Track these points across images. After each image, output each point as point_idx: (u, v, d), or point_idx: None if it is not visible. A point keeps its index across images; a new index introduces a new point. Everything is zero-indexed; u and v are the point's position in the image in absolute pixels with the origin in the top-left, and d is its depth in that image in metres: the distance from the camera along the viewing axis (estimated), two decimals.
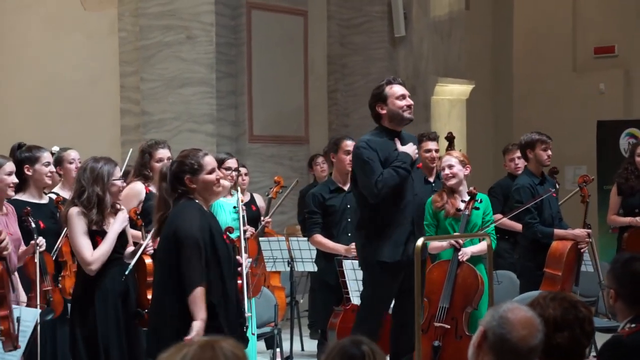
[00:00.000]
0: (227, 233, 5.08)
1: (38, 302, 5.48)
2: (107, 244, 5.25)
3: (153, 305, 4.89)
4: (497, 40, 13.66)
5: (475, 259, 6.41)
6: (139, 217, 5.72)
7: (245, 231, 6.48)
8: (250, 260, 5.41)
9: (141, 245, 5.41)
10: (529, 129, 8.01)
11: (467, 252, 6.31)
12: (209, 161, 4.86)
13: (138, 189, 6.20)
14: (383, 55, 11.07)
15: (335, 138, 7.16)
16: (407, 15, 10.94)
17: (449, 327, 6.14)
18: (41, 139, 7.31)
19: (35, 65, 11.02)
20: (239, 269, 5.06)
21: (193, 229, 4.66)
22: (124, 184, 5.59)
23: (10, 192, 5.32)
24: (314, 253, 7.21)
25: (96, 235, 5.26)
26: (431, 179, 7.25)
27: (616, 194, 7.99)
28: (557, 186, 7.39)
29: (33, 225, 5.60)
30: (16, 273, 5.49)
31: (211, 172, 4.84)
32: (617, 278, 3.78)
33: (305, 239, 7.37)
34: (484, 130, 12.92)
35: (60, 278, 5.96)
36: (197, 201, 4.81)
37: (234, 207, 6.81)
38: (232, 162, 6.95)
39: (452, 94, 11.62)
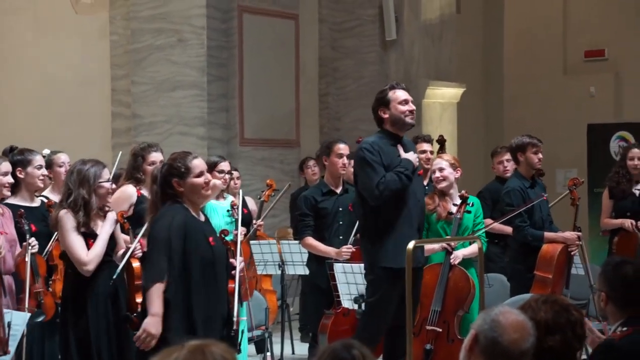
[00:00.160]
0: (222, 235, 5.07)
1: (27, 304, 5.47)
2: (100, 245, 5.24)
3: (142, 308, 4.89)
4: (487, 43, 13.68)
5: (466, 262, 6.43)
6: (125, 220, 5.70)
7: (236, 235, 6.49)
8: (243, 263, 5.39)
9: (129, 248, 5.40)
10: (519, 131, 8.03)
11: (458, 255, 6.33)
12: (197, 164, 4.85)
13: (129, 192, 6.19)
14: (374, 58, 11.07)
15: (327, 141, 7.17)
16: (398, 19, 10.94)
17: (440, 330, 6.14)
18: (32, 141, 7.32)
19: (26, 68, 11.00)
20: (232, 272, 5.04)
21: (162, 228, 4.71)
22: (114, 186, 5.56)
23: (6, 192, 5.32)
24: (305, 256, 7.20)
25: (87, 238, 5.25)
26: (425, 182, 7.26)
27: (608, 197, 8.01)
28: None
29: (26, 227, 5.60)
30: (11, 276, 5.49)
31: (199, 175, 4.83)
32: (608, 281, 3.79)
33: (296, 242, 7.37)
34: (475, 133, 12.93)
35: (51, 282, 5.94)
36: (184, 205, 4.81)
37: (228, 210, 6.82)
38: (224, 165, 6.97)
39: (443, 97, 11.63)
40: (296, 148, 10.53)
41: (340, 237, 6.71)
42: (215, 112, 9.80)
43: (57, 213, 5.28)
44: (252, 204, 7.99)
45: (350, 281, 6.15)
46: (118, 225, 5.48)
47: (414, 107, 5.90)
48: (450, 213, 6.43)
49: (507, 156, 7.93)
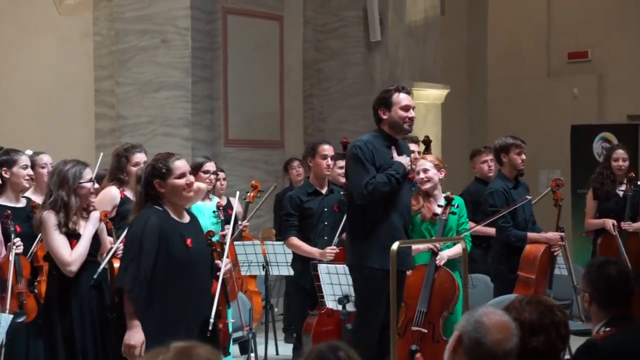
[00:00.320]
0: (208, 237, 5.06)
1: (8, 305, 5.45)
2: (83, 245, 5.22)
3: (119, 309, 4.91)
4: (472, 45, 13.72)
5: (451, 264, 6.45)
6: (108, 220, 5.69)
7: (224, 235, 6.49)
8: (229, 265, 5.38)
9: (112, 248, 5.39)
10: (503, 133, 8.05)
11: (443, 256, 6.35)
12: (179, 165, 4.84)
13: (113, 193, 6.17)
14: (359, 60, 11.08)
15: (312, 143, 7.17)
16: (382, 21, 10.96)
17: (426, 331, 6.16)
18: (15, 142, 7.28)
19: (10, 70, 10.95)
20: (217, 273, 5.03)
21: (136, 231, 4.75)
22: (97, 186, 5.53)
23: None
24: (289, 257, 7.20)
25: (70, 238, 5.23)
26: None
27: (592, 198, 8.04)
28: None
29: (12, 228, 5.59)
30: None
31: (180, 176, 4.83)
32: (592, 282, 3.80)
33: (280, 243, 7.37)
34: (459, 134, 12.97)
35: (36, 283, 5.92)
36: (164, 206, 4.81)
37: (214, 211, 6.81)
38: (210, 166, 6.96)
39: (427, 98, 11.65)
40: (280, 149, 10.53)
41: (325, 238, 6.71)
42: (199, 113, 9.78)
43: (41, 214, 5.27)
44: (236, 205, 7.99)
45: (334, 282, 6.15)
46: (104, 226, 5.47)
47: (414, 115, 5.85)
48: (435, 214, 6.45)
49: (491, 156, 7.96)
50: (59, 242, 5.18)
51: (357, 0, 11.04)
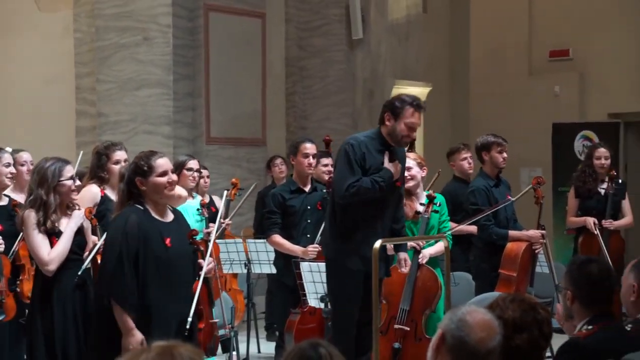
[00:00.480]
0: (192, 235, 5.03)
1: None
2: (63, 243, 5.19)
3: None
4: (454, 43, 13.74)
5: (432, 261, 6.45)
6: (93, 216, 5.65)
7: (209, 233, 6.47)
8: (212, 264, 5.34)
9: (95, 245, 5.36)
10: (485, 131, 8.06)
11: (425, 254, 6.35)
12: (161, 164, 4.82)
13: (93, 191, 6.12)
14: (341, 57, 11.08)
15: (295, 141, 7.15)
16: (365, 18, 10.96)
17: (408, 329, 6.16)
18: None
19: None
20: (200, 272, 5.01)
21: (115, 231, 4.74)
22: (78, 183, 5.48)
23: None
24: (271, 255, 7.19)
25: (52, 237, 5.20)
26: None
27: (574, 196, 8.06)
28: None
29: None
30: None
31: (162, 174, 4.80)
32: (574, 280, 3.82)
33: (262, 240, 7.36)
34: (441, 132, 12.98)
35: (18, 282, 5.88)
36: (144, 205, 4.79)
37: (197, 209, 6.78)
38: (193, 163, 6.94)
39: None
40: (262, 147, 10.51)
41: (308, 236, 6.70)
42: (181, 111, 9.75)
43: (23, 213, 5.24)
44: (219, 203, 7.97)
45: (316, 280, 6.14)
46: (88, 223, 5.44)
47: (414, 136, 5.81)
48: (417, 212, 6.45)
49: (470, 153, 7.97)
50: (38, 241, 5.14)
51: None
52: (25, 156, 6.42)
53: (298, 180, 6.91)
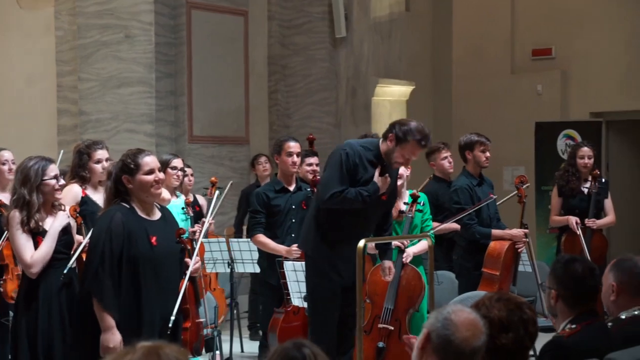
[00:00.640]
0: (179, 234, 5.00)
1: None
2: (47, 244, 5.15)
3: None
4: (436, 42, 13.75)
5: (415, 260, 6.46)
6: (78, 214, 5.62)
7: (194, 232, 6.45)
8: (199, 263, 5.32)
9: (80, 243, 5.32)
10: (467, 130, 8.07)
11: (409, 253, 6.36)
12: (148, 162, 4.80)
13: (75, 191, 6.08)
14: (324, 55, 11.06)
15: (279, 140, 7.12)
16: (347, 16, 10.95)
17: (392, 328, 6.16)
18: None
19: None
20: (185, 271, 4.99)
21: (100, 230, 4.73)
22: (62, 182, 5.43)
23: None
24: (255, 254, 7.17)
25: (37, 236, 5.17)
26: None
27: (557, 195, 8.07)
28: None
29: None
30: None
31: (149, 172, 4.78)
32: (558, 279, 3.83)
33: (245, 240, 7.34)
34: None
35: (1, 282, 5.84)
36: (130, 203, 4.77)
37: (182, 208, 6.76)
38: (177, 162, 6.93)
39: (392, 95, 11.67)
40: (245, 145, 10.49)
41: (293, 235, 6.68)
42: (163, 109, 9.71)
43: (9, 213, 5.21)
44: (202, 201, 7.96)
45: (300, 279, 6.13)
46: (74, 222, 5.40)
47: (408, 165, 5.81)
48: (401, 212, 6.46)
49: (450, 152, 7.97)
50: (22, 242, 5.11)
51: None
52: (6, 155, 6.38)
53: (283, 180, 6.89)
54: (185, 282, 4.97)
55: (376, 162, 5.68)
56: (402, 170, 6.54)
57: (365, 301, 5.99)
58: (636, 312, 3.96)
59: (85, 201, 5.98)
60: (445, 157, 7.97)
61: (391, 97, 11.64)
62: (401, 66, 11.92)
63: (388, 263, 5.92)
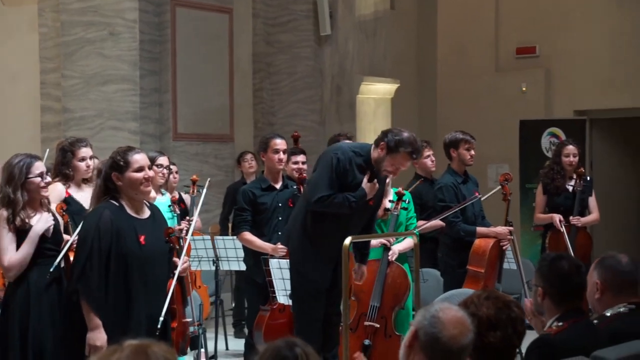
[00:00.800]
0: (168, 233, 4.98)
1: None
2: (25, 249, 5.10)
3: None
4: (421, 40, 13.76)
5: (401, 258, 6.47)
6: (64, 212, 5.59)
7: (181, 230, 6.43)
8: (187, 263, 5.29)
9: (67, 241, 5.29)
10: (452, 128, 8.07)
11: (395, 250, 6.36)
12: (138, 159, 4.79)
13: (59, 189, 6.02)
14: (309, 53, 11.06)
15: (265, 137, 7.09)
16: (332, 14, 10.95)
17: (378, 326, 6.16)
18: None
19: None
20: (174, 270, 4.97)
21: (89, 228, 4.70)
22: (48, 180, 5.39)
23: None
24: (240, 252, 7.16)
25: (26, 234, 5.14)
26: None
27: (541, 193, 8.09)
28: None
29: None
30: None
31: (138, 170, 4.77)
32: (545, 276, 3.83)
33: (230, 237, 7.32)
34: (408, 129, 12.97)
35: None
36: (120, 201, 4.75)
37: (169, 206, 6.73)
38: (163, 160, 6.90)
39: (377, 93, 11.67)
40: (230, 143, 10.47)
41: (279, 233, 6.66)
42: (147, 107, 9.69)
43: None
44: (188, 199, 7.94)
45: (285, 277, 6.12)
46: (61, 220, 5.37)
47: (397, 174, 5.78)
48: (386, 209, 6.46)
49: (432, 150, 7.98)
50: (5, 243, 5.07)
51: None
52: None
53: (269, 177, 6.86)
54: (173, 282, 4.95)
55: (366, 167, 5.66)
56: None
57: (350, 299, 5.99)
58: (621, 310, 3.97)
59: (68, 201, 5.93)
60: (428, 156, 7.99)
61: (376, 95, 11.65)
62: (386, 64, 11.92)
63: (363, 267, 5.92)
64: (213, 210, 9.74)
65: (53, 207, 5.40)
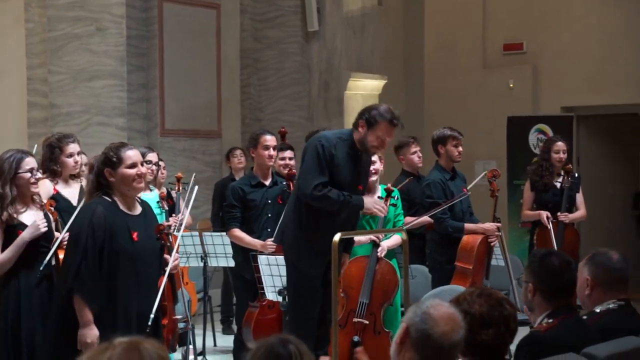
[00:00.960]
0: (160, 229, 4.95)
1: None
2: (9, 253, 5.08)
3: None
4: (408, 36, 13.75)
5: (389, 254, 6.46)
6: (54, 209, 5.56)
7: (170, 226, 6.41)
8: (178, 261, 5.27)
9: (57, 238, 5.27)
10: (439, 124, 8.07)
11: (384, 247, 6.36)
12: (130, 155, 4.77)
13: (47, 186, 6.00)
14: (296, 49, 11.05)
15: (255, 133, 7.06)
16: (320, 10, 10.94)
17: (367, 322, 6.15)
18: None
19: None
20: (165, 267, 4.95)
21: (81, 224, 4.69)
22: (38, 176, 5.36)
23: None
24: (228, 248, 7.14)
25: (18, 230, 5.11)
26: None
27: (529, 189, 8.10)
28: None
29: None
30: None
31: (131, 166, 4.75)
32: (535, 273, 3.83)
33: (219, 234, 7.31)
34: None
35: None
36: (112, 197, 4.73)
37: (157, 203, 6.72)
38: (152, 156, 6.88)
39: (365, 89, 11.67)
40: (218, 139, 10.45)
41: (269, 230, 6.64)
42: (135, 103, 9.66)
43: None
44: (175, 195, 7.93)
45: (274, 273, 6.11)
46: (51, 217, 5.35)
47: (384, 147, 5.78)
48: None
49: (419, 147, 7.97)
50: None
51: None
52: None
53: (259, 173, 6.84)
54: (165, 279, 4.93)
55: (351, 152, 5.67)
56: (379, 166, 6.54)
57: (339, 295, 5.98)
58: (611, 306, 3.99)
59: (56, 198, 5.91)
60: (415, 152, 7.98)
61: (363, 91, 11.65)
62: (373, 60, 11.93)
63: (346, 256, 5.93)
64: (201, 207, 9.72)
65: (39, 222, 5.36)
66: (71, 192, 6.04)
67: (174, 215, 7.61)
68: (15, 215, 5.11)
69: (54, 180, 6.03)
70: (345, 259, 5.96)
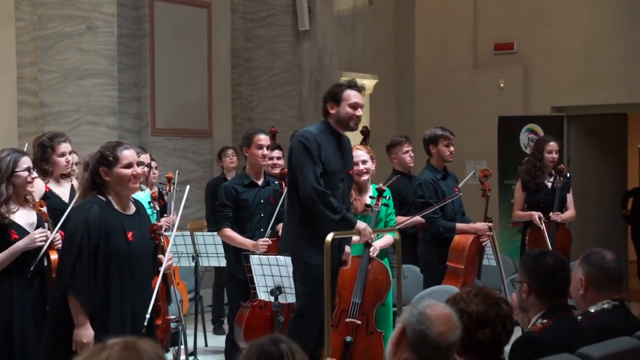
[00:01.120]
0: (154, 230, 4.93)
1: None
2: (1, 258, 5.06)
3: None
4: (399, 35, 13.76)
5: (381, 254, 6.46)
6: (45, 210, 5.53)
7: (162, 227, 6.38)
8: (172, 260, 5.25)
9: (48, 238, 5.24)
10: (430, 124, 8.07)
11: (376, 247, 6.35)
12: (127, 155, 4.75)
13: (39, 185, 5.97)
14: (287, 48, 11.04)
15: (248, 132, 7.05)
16: (311, 9, 10.93)
17: (360, 322, 6.14)
18: None
19: None
20: (159, 268, 4.94)
21: (77, 223, 4.67)
22: (34, 175, 5.34)
23: None
24: (220, 248, 7.13)
25: (10, 230, 5.09)
26: None
27: (521, 189, 8.10)
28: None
29: None
30: None
31: (127, 166, 4.74)
32: (530, 273, 3.82)
33: (210, 233, 7.29)
34: (387, 125, 12.99)
35: None
36: (107, 196, 4.72)
37: (149, 202, 6.69)
38: (144, 157, 6.86)
39: None
40: (209, 138, 10.44)
41: (262, 230, 6.63)
42: (126, 102, 9.63)
43: None
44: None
45: (266, 273, 6.09)
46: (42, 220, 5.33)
47: (361, 114, 5.83)
48: (367, 205, 6.44)
49: (411, 146, 7.96)
50: None
51: None
52: None
53: (251, 173, 6.82)
54: (159, 279, 4.92)
55: (334, 139, 5.76)
56: (370, 165, 6.53)
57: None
58: (605, 306, 3.99)
59: (48, 196, 5.89)
60: (407, 152, 7.96)
61: None
62: (364, 59, 11.92)
63: (347, 249, 5.93)
64: (192, 206, 9.70)
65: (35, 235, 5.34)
66: (62, 191, 6.04)
67: (165, 215, 7.60)
68: (7, 215, 5.09)
69: (45, 180, 6.01)
70: (347, 257, 5.95)
